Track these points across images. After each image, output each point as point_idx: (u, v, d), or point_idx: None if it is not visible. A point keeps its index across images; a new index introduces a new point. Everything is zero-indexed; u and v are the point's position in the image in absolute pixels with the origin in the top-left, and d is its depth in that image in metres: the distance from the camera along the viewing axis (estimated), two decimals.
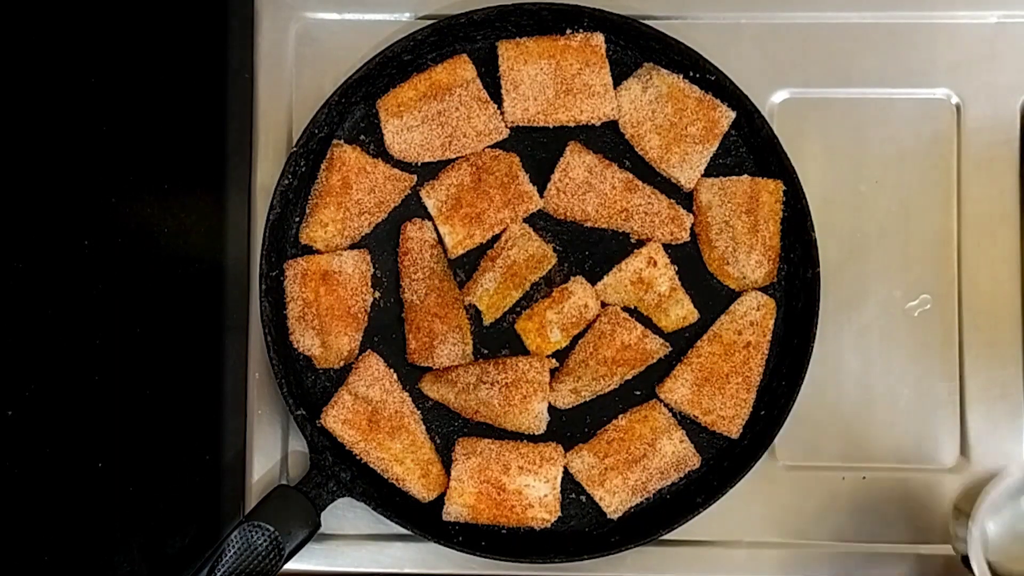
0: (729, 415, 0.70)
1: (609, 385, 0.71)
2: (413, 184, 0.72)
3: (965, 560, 0.65)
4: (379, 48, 0.72)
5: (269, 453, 0.73)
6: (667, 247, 0.71)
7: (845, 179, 0.73)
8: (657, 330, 0.71)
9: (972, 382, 0.72)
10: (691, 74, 0.72)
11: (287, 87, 0.74)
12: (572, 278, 0.71)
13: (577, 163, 0.71)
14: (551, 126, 0.72)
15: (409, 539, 0.72)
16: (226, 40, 0.73)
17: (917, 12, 0.74)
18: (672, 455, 0.70)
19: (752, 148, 0.72)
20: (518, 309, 0.72)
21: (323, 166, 0.72)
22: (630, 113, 0.72)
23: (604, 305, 0.71)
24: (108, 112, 0.61)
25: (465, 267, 0.72)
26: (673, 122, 0.72)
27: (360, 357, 0.71)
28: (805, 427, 0.72)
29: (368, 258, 0.72)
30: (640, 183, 0.72)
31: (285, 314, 0.71)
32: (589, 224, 0.72)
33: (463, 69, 0.72)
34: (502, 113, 0.72)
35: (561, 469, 0.70)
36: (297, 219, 0.72)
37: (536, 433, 0.70)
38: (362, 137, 0.73)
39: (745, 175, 0.72)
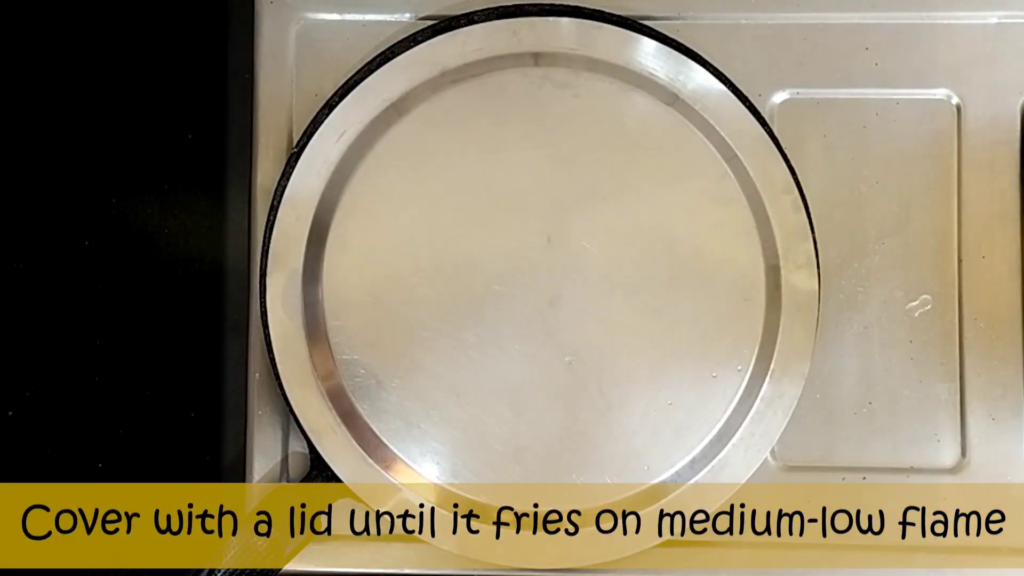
0: None
1: None
2: None
3: None
4: (380, 49, 0.72)
5: (269, 453, 0.73)
6: None
7: (845, 180, 0.73)
8: None
9: (973, 383, 0.72)
10: None
11: (287, 88, 0.74)
12: None
13: None
14: None
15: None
16: (226, 41, 0.73)
17: (917, 12, 0.74)
18: None
19: None
20: None
21: None
22: None
23: None
24: (108, 112, 0.61)
25: None
26: None
27: None
28: (805, 428, 0.72)
29: None
30: None
31: None
32: None
33: None
34: None
35: None
36: None
37: None
38: None
39: None
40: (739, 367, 0.70)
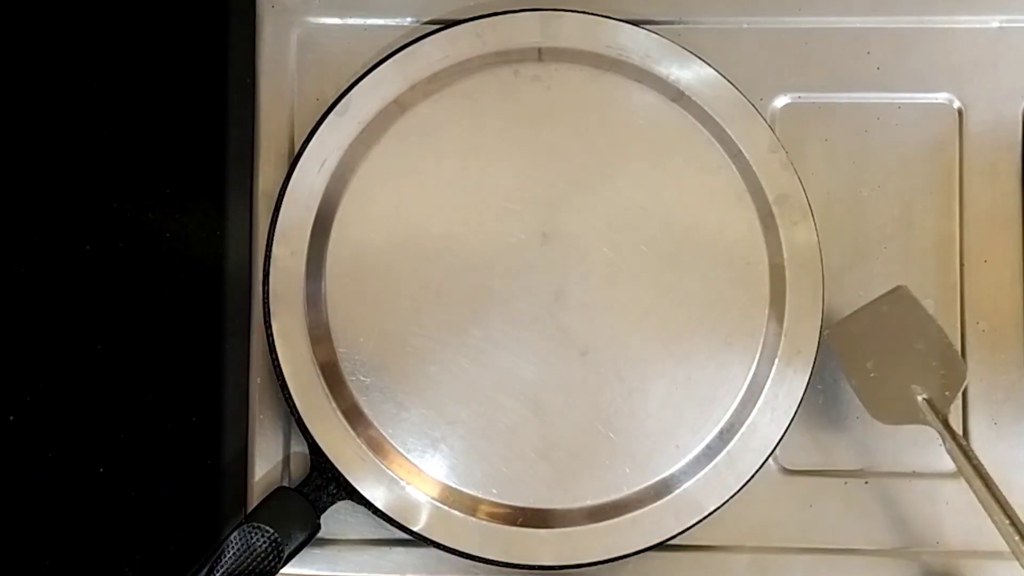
0: None
1: None
2: None
3: None
4: (382, 54, 0.72)
5: (270, 456, 0.73)
6: None
7: (847, 184, 0.73)
8: None
9: (975, 386, 0.72)
10: None
11: (289, 91, 0.74)
12: None
13: None
14: None
15: (411, 544, 0.72)
16: (227, 45, 0.73)
17: (919, 17, 0.74)
18: None
19: None
20: None
21: None
22: None
23: None
24: (110, 117, 0.62)
25: None
26: None
27: None
28: (807, 432, 0.72)
29: None
30: None
31: None
32: None
33: None
34: None
35: None
36: None
37: None
38: None
39: None
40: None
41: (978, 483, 0.65)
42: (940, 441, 0.72)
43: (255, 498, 0.72)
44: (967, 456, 0.65)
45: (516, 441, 0.70)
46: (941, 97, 0.74)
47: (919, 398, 0.67)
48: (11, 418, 0.55)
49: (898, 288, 0.68)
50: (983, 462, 0.71)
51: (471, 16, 0.72)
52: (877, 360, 0.68)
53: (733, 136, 0.70)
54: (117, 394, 0.63)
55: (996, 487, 0.65)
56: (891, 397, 0.67)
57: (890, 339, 0.68)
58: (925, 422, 0.67)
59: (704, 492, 0.69)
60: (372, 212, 0.71)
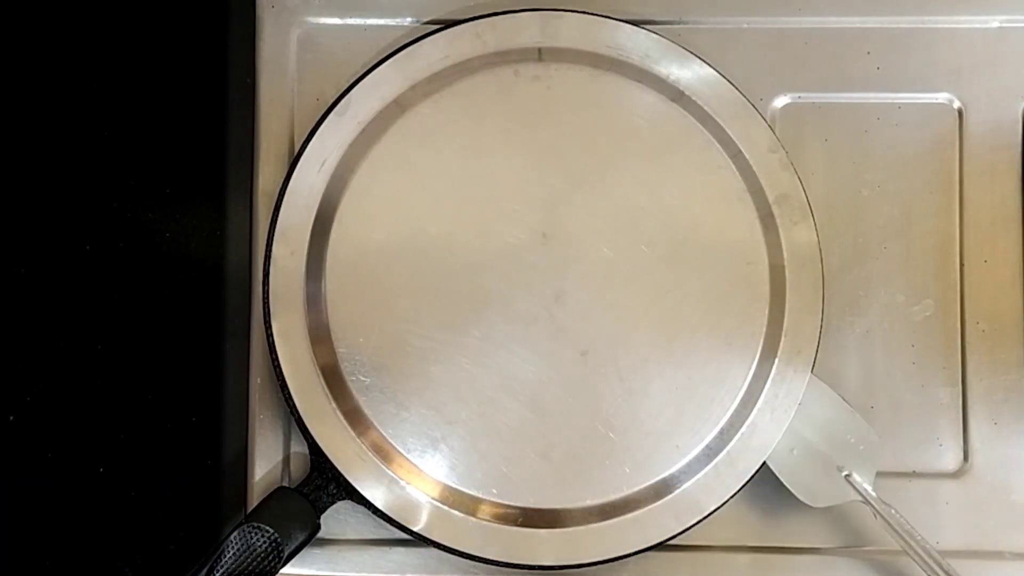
0: None
1: None
2: None
3: None
4: (382, 54, 0.72)
5: (270, 456, 0.73)
6: None
7: (846, 184, 0.73)
8: None
9: (975, 387, 0.72)
10: None
11: (289, 92, 0.74)
12: None
13: None
14: None
15: (411, 544, 0.72)
16: (227, 45, 0.73)
17: (918, 16, 0.74)
18: None
19: None
20: None
21: None
22: None
23: None
24: (110, 117, 0.62)
25: None
26: None
27: None
28: None
29: None
30: None
31: None
32: None
33: None
34: None
35: None
36: None
37: None
38: None
39: None
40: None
41: (911, 550, 0.67)
42: (940, 441, 0.72)
43: (255, 498, 0.72)
44: (896, 528, 0.67)
45: (516, 441, 0.70)
46: (941, 97, 0.74)
47: (843, 475, 0.68)
48: (11, 418, 0.55)
49: None
50: (983, 462, 0.71)
51: (471, 16, 0.72)
52: (797, 446, 0.69)
53: (733, 136, 0.70)
54: (117, 394, 0.63)
55: (934, 553, 0.67)
56: (817, 479, 0.69)
57: (805, 424, 0.69)
58: (855, 498, 0.68)
59: (704, 492, 0.69)
60: (372, 212, 0.71)
